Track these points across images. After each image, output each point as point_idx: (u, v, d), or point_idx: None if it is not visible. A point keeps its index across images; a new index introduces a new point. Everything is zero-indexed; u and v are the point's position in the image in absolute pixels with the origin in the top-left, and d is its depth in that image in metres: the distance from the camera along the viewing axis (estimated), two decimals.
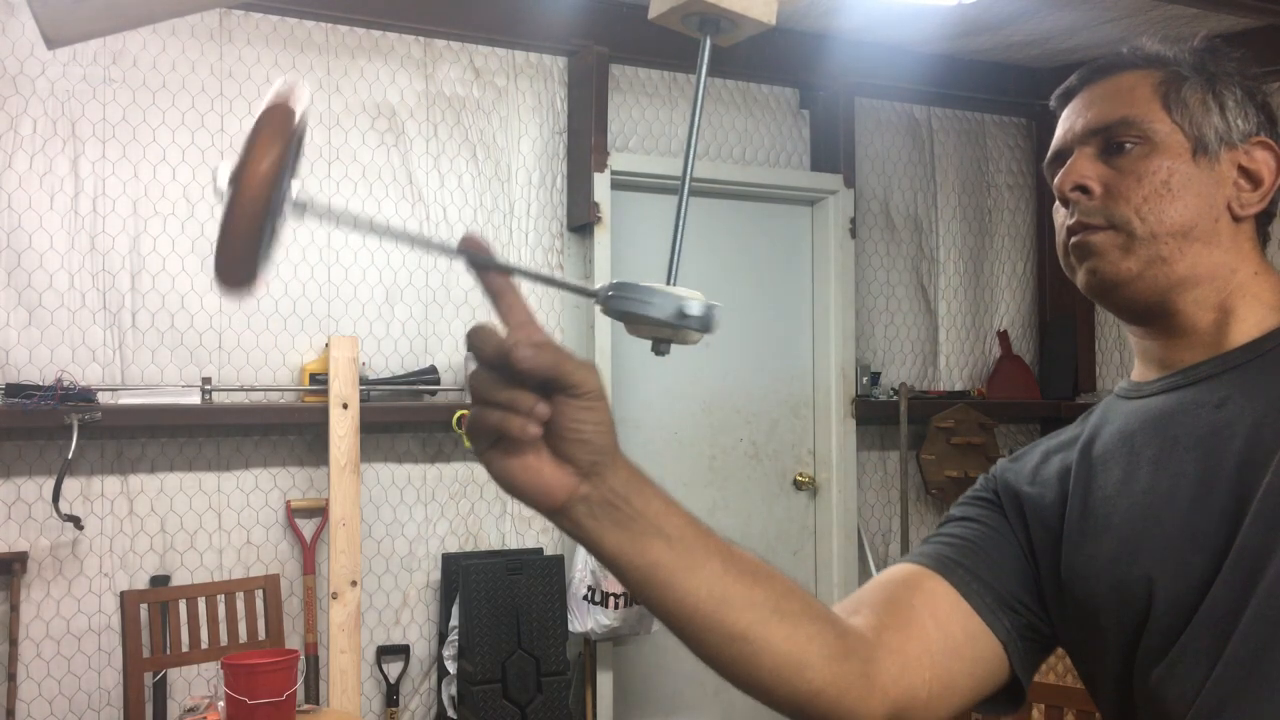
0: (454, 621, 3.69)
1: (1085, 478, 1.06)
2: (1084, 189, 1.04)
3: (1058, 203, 1.08)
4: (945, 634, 1.02)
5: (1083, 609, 1.03)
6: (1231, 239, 1.03)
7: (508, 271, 0.82)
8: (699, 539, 0.89)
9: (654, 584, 0.86)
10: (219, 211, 0.81)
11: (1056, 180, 1.07)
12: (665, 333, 0.88)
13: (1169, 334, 1.05)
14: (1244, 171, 1.04)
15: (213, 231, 3.58)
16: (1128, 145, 1.04)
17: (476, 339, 0.77)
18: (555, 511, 0.81)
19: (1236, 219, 1.04)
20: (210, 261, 0.86)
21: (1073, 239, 1.05)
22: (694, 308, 0.85)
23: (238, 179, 0.79)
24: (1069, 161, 1.07)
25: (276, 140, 0.81)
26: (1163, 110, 1.04)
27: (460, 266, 3.89)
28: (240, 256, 0.84)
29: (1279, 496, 0.91)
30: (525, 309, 0.80)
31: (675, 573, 0.86)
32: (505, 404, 0.76)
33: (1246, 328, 1.02)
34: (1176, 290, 1.02)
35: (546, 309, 4.03)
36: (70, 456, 3.19)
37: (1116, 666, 1.01)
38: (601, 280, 4.33)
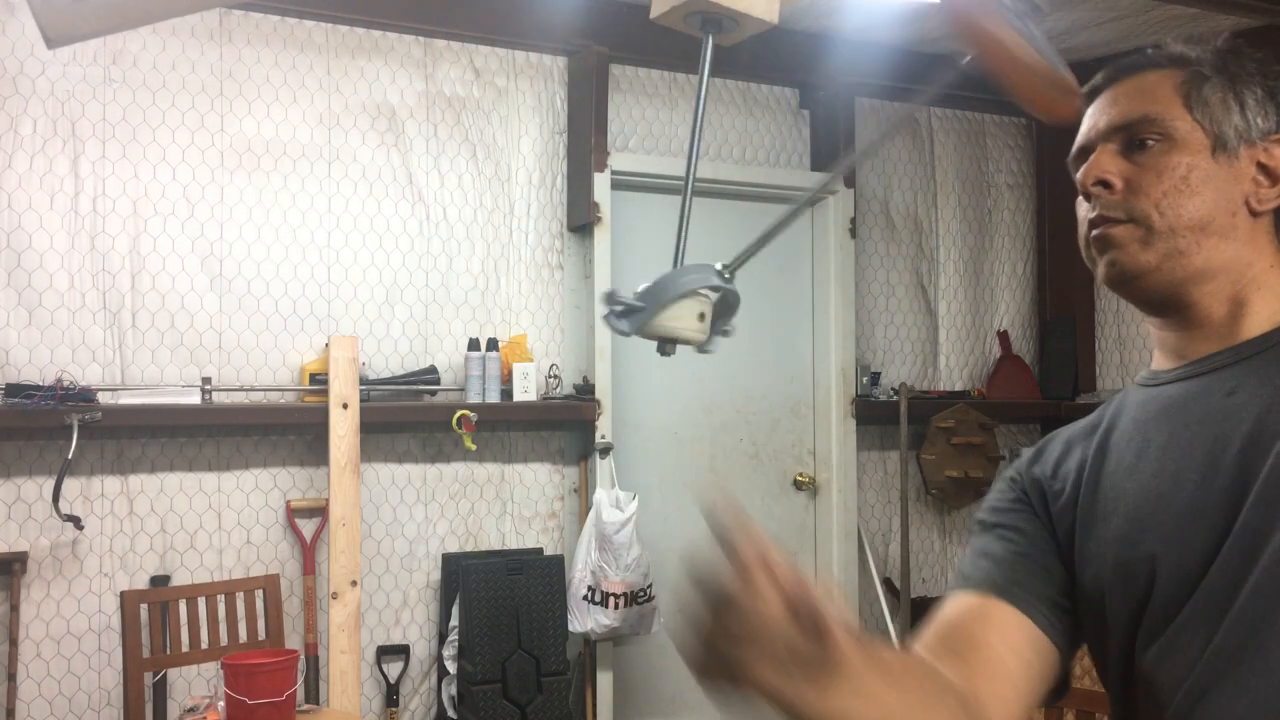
0: (454, 621, 3.69)
1: (1098, 466, 1.10)
2: (1105, 184, 1.08)
3: (1080, 197, 1.12)
4: (1023, 661, 1.07)
5: (1092, 589, 1.07)
6: (1249, 233, 1.06)
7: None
8: (871, 666, 0.89)
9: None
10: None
11: (1079, 175, 1.11)
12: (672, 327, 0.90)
13: (1185, 325, 1.08)
14: (1262, 168, 1.07)
15: (213, 231, 3.60)
16: (1149, 142, 1.07)
17: (800, 603, 0.79)
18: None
19: (1254, 214, 1.07)
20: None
21: (1094, 232, 1.09)
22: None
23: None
24: (1092, 157, 1.10)
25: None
26: (1184, 109, 1.07)
27: (459, 267, 3.90)
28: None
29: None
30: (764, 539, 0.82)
31: (855, 709, 0.87)
32: (790, 648, 0.79)
33: (1259, 320, 1.06)
34: (1193, 282, 1.06)
35: (547, 308, 4.03)
36: (70, 456, 3.19)
37: (1121, 644, 1.05)
38: (601, 280, 4.29)
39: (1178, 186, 1.04)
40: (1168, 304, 1.08)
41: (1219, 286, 1.06)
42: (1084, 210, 1.11)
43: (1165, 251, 1.05)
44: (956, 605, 1.12)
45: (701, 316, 0.93)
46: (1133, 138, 1.08)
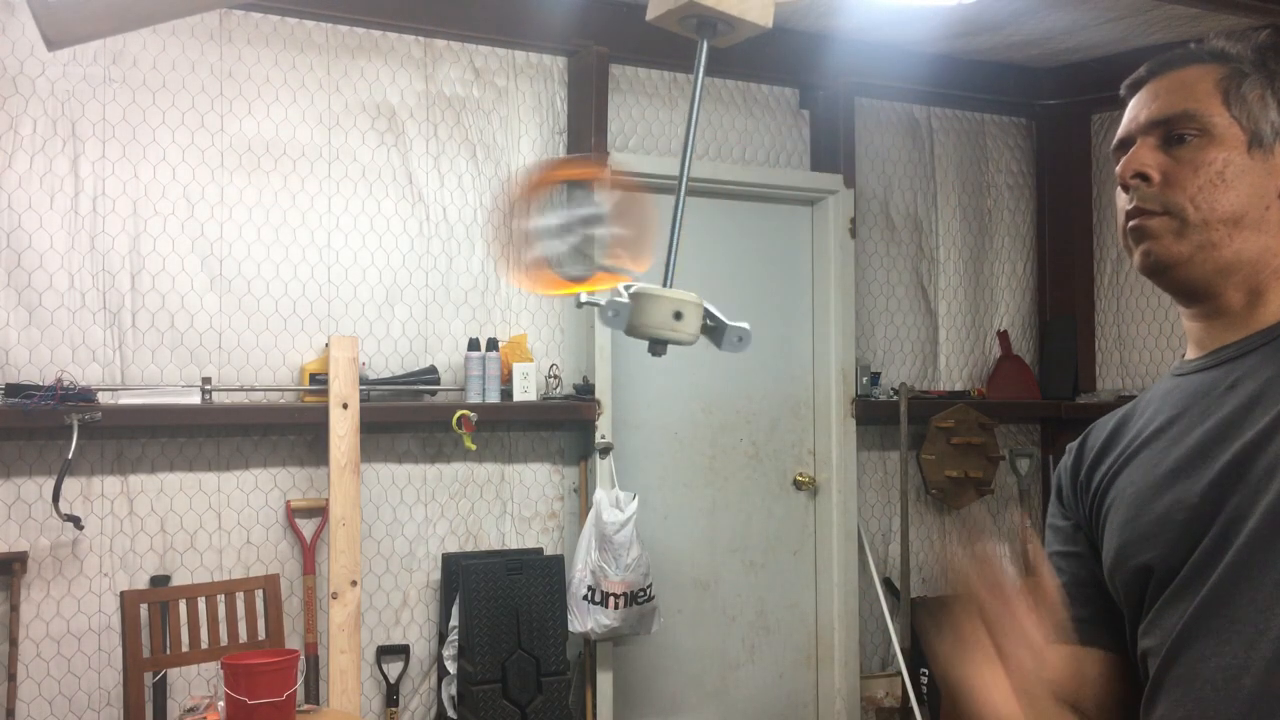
0: (454, 621, 3.69)
1: (1122, 458, 1.15)
2: (1144, 176, 1.11)
3: (1119, 187, 1.15)
4: (1117, 698, 1.13)
5: (1106, 575, 1.13)
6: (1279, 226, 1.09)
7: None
8: None
9: None
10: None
11: (1119, 168, 1.14)
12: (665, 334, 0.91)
13: (1210, 315, 1.12)
14: None
15: (213, 231, 3.60)
16: (1187, 137, 1.10)
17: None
18: None
19: None
20: None
21: (1130, 223, 1.12)
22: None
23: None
24: (1131, 150, 1.14)
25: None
26: (1222, 105, 1.10)
27: (459, 267, 3.90)
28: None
29: (1263, 463, 0.99)
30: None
31: None
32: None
33: (1272, 310, 1.09)
34: (1222, 274, 1.09)
35: (547, 308, 4.03)
36: (70, 456, 3.19)
37: (1129, 622, 1.11)
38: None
39: (1213, 181, 1.07)
40: (1198, 294, 1.11)
41: (1244, 278, 1.09)
42: (1122, 201, 1.14)
43: (1198, 243, 1.08)
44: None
45: (678, 315, 0.93)
46: (1171, 132, 1.11)
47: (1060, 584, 1.18)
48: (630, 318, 0.90)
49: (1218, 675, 0.98)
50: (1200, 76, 1.12)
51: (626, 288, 0.92)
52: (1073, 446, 1.24)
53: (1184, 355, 1.19)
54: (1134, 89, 1.17)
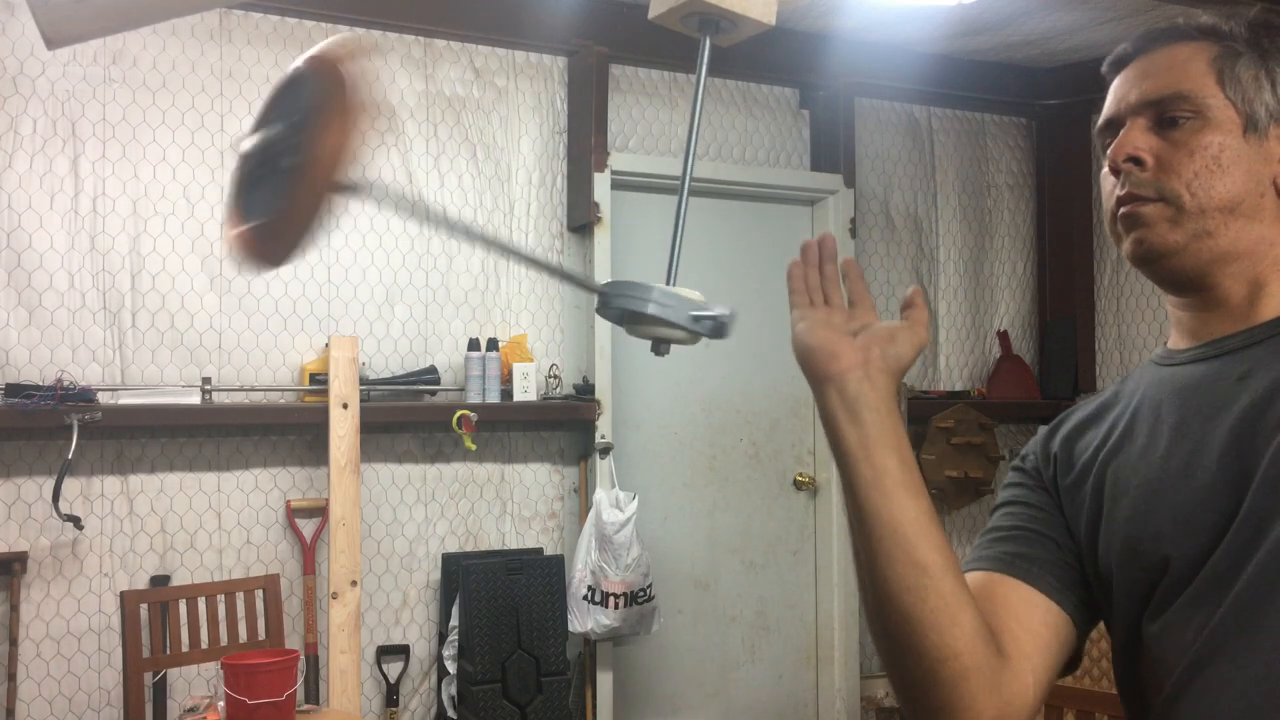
0: (454, 621, 3.69)
1: (1112, 445, 1.10)
2: (1137, 160, 1.06)
3: (1106, 170, 1.10)
4: (1033, 635, 1.07)
5: (1102, 566, 1.08)
6: (1275, 214, 1.05)
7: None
8: (920, 478, 1.03)
9: (878, 490, 0.99)
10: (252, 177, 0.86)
11: (1110, 150, 1.09)
12: (663, 332, 0.90)
13: (1204, 306, 1.08)
14: None
15: (213, 231, 3.59)
16: (1181, 119, 1.05)
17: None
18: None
19: None
20: (236, 235, 0.83)
21: (1122, 209, 1.07)
22: (713, 310, 0.90)
23: (306, 151, 0.78)
24: (1122, 132, 1.08)
25: (354, 118, 0.81)
26: (1217, 86, 1.05)
27: (459, 267, 3.90)
28: (293, 238, 0.83)
29: None
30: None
31: (898, 487, 1.00)
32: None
33: (1276, 302, 1.05)
34: (1218, 264, 1.05)
35: (547, 308, 4.03)
36: (70, 456, 3.19)
37: (1127, 619, 1.06)
38: (602, 281, 4.31)
39: (1209, 166, 1.03)
40: (1191, 284, 1.07)
41: (1242, 268, 1.04)
42: (1111, 185, 1.09)
43: (1193, 232, 1.03)
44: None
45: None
46: (1164, 114, 1.06)
47: (1004, 526, 1.16)
48: (728, 328, 0.91)
49: (1252, 688, 0.93)
50: (1192, 55, 1.06)
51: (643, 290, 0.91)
52: (1044, 428, 1.21)
53: (1166, 344, 1.14)
54: (1118, 67, 1.11)
